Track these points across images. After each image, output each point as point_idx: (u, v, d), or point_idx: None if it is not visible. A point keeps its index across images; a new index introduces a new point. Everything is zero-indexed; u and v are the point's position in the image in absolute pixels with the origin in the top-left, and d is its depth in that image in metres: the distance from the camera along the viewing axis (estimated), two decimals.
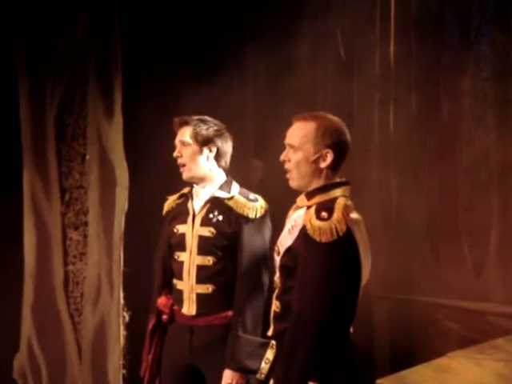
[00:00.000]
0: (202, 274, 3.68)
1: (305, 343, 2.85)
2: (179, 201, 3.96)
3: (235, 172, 6.62)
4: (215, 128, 3.82)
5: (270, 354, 3.22)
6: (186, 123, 3.84)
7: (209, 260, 3.69)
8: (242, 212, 3.72)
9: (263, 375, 3.31)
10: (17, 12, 5.56)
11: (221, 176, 3.84)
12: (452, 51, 8.72)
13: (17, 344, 5.52)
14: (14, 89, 5.64)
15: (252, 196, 3.80)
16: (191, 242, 3.74)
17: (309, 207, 3.01)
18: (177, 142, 3.86)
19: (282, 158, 3.14)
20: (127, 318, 5.19)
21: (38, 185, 5.50)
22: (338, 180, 3.11)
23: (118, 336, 5.16)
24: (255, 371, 3.39)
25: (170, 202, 4.02)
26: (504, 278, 7.53)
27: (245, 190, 3.82)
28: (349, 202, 3.03)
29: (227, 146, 3.86)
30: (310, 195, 3.06)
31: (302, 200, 3.10)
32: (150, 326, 3.87)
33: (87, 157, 5.44)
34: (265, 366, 3.25)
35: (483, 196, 7.68)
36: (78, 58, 5.54)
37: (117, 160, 5.29)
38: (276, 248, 3.15)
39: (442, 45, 8.64)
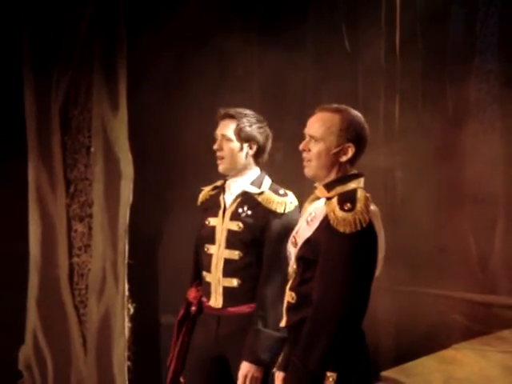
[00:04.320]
0: (229, 268, 3.70)
1: (326, 333, 2.87)
2: (213, 192, 3.94)
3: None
4: (258, 125, 3.81)
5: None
6: (230, 117, 3.82)
7: (236, 254, 3.70)
8: (270, 207, 3.72)
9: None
10: (22, 4, 5.56)
11: (255, 171, 3.84)
12: (458, 43, 8.70)
13: (22, 336, 5.53)
14: (19, 81, 5.65)
15: (282, 191, 3.79)
16: (220, 236, 3.76)
17: (329, 198, 3.03)
18: (218, 133, 3.84)
19: (302, 147, 3.15)
20: (132, 310, 5.20)
21: (42, 177, 5.51)
22: (355, 172, 3.13)
23: (123, 328, 5.17)
24: (272, 365, 3.41)
25: (205, 192, 4.01)
26: (509, 269, 7.53)
27: (276, 186, 3.82)
28: (368, 194, 3.06)
29: (267, 144, 3.86)
30: (329, 186, 3.07)
31: (321, 191, 3.10)
32: (179, 317, 3.89)
33: (92, 149, 5.44)
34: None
35: (489, 188, 7.67)
36: (83, 50, 5.54)
37: (122, 152, 5.29)
38: (293, 239, 3.14)
39: (448, 36, 8.62)
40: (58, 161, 5.52)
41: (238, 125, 3.77)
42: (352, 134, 3.08)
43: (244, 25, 6.92)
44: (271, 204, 3.72)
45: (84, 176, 5.47)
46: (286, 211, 3.70)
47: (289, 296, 3.13)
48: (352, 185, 3.06)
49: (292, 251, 3.15)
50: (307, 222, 3.07)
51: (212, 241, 3.79)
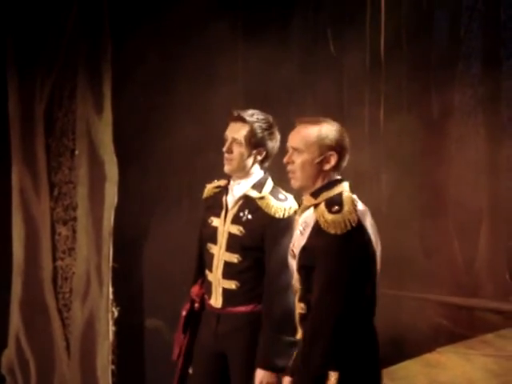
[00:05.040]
0: (228, 270, 3.70)
1: (323, 334, 2.94)
2: (216, 190, 3.88)
3: (222, 170, 6.62)
4: (269, 132, 3.76)
5: (294, 352, 3.25)
6: (242, 120, 3.75)
7: (235, 257, 3.69)
8: (269, 212, 3.72)
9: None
10: (6, 7, 5.53)
11: (258, 174, 3.79)
12: (442, 47, 8.74)
13: (5, 340, 5.49)
14: (3, 84, 5.61)
15: (282, 195, 3.79)
16: (222, 238, 3.76)
17: (316, 205, 3.11)
18: (228, 135, 3.78)
19: (286, 160, 3.21)
20: (116, 314, 5.18)
21: (26, 180, 5.48)
22: (339, 177, 3.18)
23: (107, 331, 5.15)
24: (284, 370, 3.37)
25: (209, 189, 3.96)
26: (493, 273, 7.56)
27: (277, 189, 3.83)
28: (354, 196, 3.14)
29: (275, 147, 3.80)
30: (315, 194, 3.15)
31: (308, 199, 3.17)
32: (184, 313, 3.91)
33: (76, 152, 5.42)
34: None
35: (473, 192, 7.69)
36: (67, 53, 5.51)
37: (106, 155, 5.28)
38: (291, 252, 3.20)
39: (432, 41, 8.66)
40: (41, 164, 5.49)
41: (250, 130, 3.74)
42: (333, 143, 3.16)
43: (229, 27, 6.92)
44: (270, 209, 3.70)
45: (68, 179, 5.45)
46: (285, 216, 3.72)
47: (299, 308, 3.17)
48: (337, 189, 3.14)
49: (293, 263, 3.20)
50: (301, 232, 3.14)
51: (214, 241, 3.78)
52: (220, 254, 3.75)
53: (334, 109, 7.83)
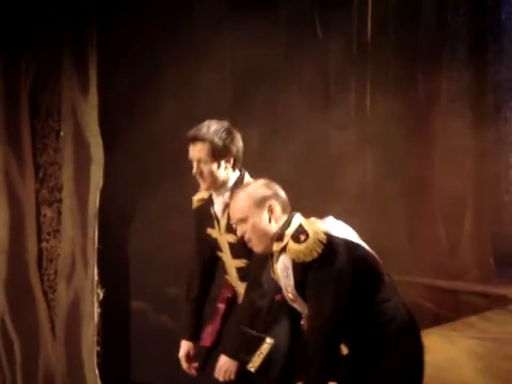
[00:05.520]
0: (241, 274, 3.85)
1: (317, 354, 3.18)
2: (202, 202, 4.01)
3: None
4: (229, 138, 3.83)
5: (264, 349, 3.60)
6: (199, 139, 3.81)
7: (243, 262, 3.82)
8: None
9: (253, 368, 3.59)
10: None
11: (234, 176, 3.87)
12: (428, 32, 8.74)
13: None
14: None
15: None
16: (224, 247, 3.90)
17: (285, 246, 3.27)
18: (192, 157, 3.84)
19: (240, 234, 3.39)
20: (101, 296, 5.17)
21: (11, 161, 5.45)
22: (287, 214, 3.36)
23: (92, 313, 5.14)
24: (247, 362, 3.58)
25: (195, 202, 4.09)
26: (478, 257, 7.59)
27: None
28: (312, 219, 3.32)
29: (241, 147, 3.89)
30: (279, 238, 3.31)
31: (277, 245, 3.32)
32: (222, 305, 4.05)
33: (62, 133, 5.40)
34: (257, 359, 3.59)
35: (459, 177, 7.72)
36: (52, 34, 5.48)
37: (92, 136, 5.26)
38: (288, 297, 3.37)
39: (419, 26, 8.65)
40: (27, 145, 5.47)
41: (210, 145, 3.78)
42: (266, 198, 3.34)
43: (216, 12, 6.90)
44: None
45: (53, 160, 5.42)
46: None
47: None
48: (294, 224, 3.30)
49: (296, 306, 3.38)
50: (286, 277, 3.30)
51: (220, 249, 3.93)
52: (228, 260, 3.90)
53: (320, 94, 7.83)
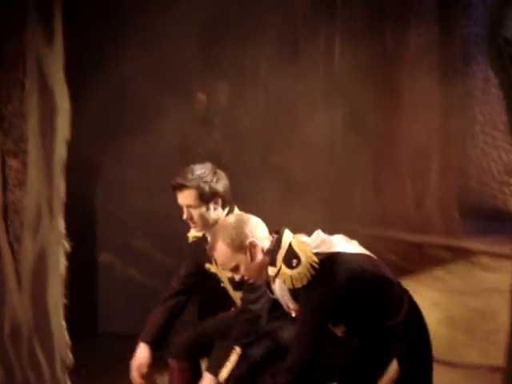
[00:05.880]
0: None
1: (291, 372, 3.32)
2: (196, 239, 4.14)
3: (177, 106, 6.58)
4: (213, 180, 3.92)
5: (233, 360, 3.79)
6: (185, 187, 3.91)
7: None
8: None
9: (222, 379, 3.77)
10: None
11: (224, 215, 3.97)
12: None
13: None
14: None
15: None
16: (224, 280, 4.03)
17: (279, 270, 3.36)
18: (181, 204, 3.95)
19: (239, 279, 3.48)
20: (68, 248, 5.15)
21: None
22: (272, 237, 3.44)
23: (59, 265, 5.12)
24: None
25: (190, 237, 4.19)
26: (443, 210, 7.66)
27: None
28: (302, 238, 3.41)
29: (227, 186, 3.98)
30: (273, 263, 3.39)
31: (271, 270, 3.40)
32: None
33: (27, 84, 5.32)
34: (224, 370, 3.78)
35: (425, 130, 7.76)
36: None
37: (57, 87, 5.18)
38: (290, 312, 3.47)
39: None
40: None
41: (196, 192, 3.88)
42: (245, 240, 3.39)
43: None
44: None
45: (18, 111, 5.34)
46: None
47: None
48: (285, 245, 3.37)
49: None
50: (286, 296, 3.41)
51: (221, 281, 4.07)
52: (232, 293, 4.07)
53: (288, 46, 7.79)
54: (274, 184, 6.61)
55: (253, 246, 3.39)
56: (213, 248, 3.48)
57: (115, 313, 6.78)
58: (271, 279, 3.45)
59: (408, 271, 6.32)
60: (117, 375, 5.84)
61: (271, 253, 3.39)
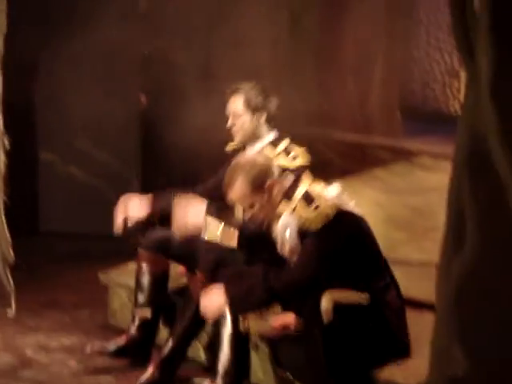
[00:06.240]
0: None
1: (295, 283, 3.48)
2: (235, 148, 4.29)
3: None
4: (263, 94, 4.17)
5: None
6: (236, 92, 4.16)
7: None
8: None
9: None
10: None
11: (269, 136, 4.19)
12: None
13: None
14: None
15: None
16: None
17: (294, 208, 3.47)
18: (229, 111, 4.19)
19: (254, 216, 3.55)
20: (8, 146, 5.06)
21: None
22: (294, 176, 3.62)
23: None
24: None
25: (230, 146, 4.32)
26: (385, 111, 7.70)
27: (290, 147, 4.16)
28: (317, 184, 3.56)
29: (274, 107, 4.21)
30: (287, 197, 3.51)
31: (286, 204, 3.50)
32: None
33: None
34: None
35: (369, 31, 7.70)
36: None
37: None
38: (283, 252, 3.56)
39: None
40: None
41: (245, 97, 4.13)
42: (265, 180, 3.51)
43: None
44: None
45: None
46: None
47: None
48: (302, 188, 3.51)
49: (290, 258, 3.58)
50: (286, 234, 3.50)
51: None
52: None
53: None
54: (218, 78, 6.53)
55: (272, 187, 3.49)
56: (231, 183, 3.54)
57: (56, 211, 6.75)
58: (277, 216, 3.52)
59: (350, 172, 6.38)
60: (57, 272, 5.88)
61: (288, 191, 3.51)
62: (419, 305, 4.01)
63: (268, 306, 3.51)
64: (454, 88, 8.80)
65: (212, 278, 3.93)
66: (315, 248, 3.41)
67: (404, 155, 6.85)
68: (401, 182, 6.25)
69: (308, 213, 3.40)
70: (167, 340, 4.20)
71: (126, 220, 4.26)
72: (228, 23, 6.74)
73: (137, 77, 6.82)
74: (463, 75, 7.82)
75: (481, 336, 2.18)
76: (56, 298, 5.49)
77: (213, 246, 4.03)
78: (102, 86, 6.57)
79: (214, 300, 3.51)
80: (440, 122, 7.92)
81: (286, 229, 3.50)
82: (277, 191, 3.51)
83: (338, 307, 3.44)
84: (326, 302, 3.41)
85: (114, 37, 6.36)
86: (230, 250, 4.09)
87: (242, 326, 3.73)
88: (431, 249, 3.64)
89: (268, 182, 3.51)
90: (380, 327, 3.48)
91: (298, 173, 3.79)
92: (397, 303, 3.54)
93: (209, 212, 3.76)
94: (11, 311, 5.02)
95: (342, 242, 3.47)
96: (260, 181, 3.50)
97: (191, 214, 3.74)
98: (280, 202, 3.50)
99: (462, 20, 2.12)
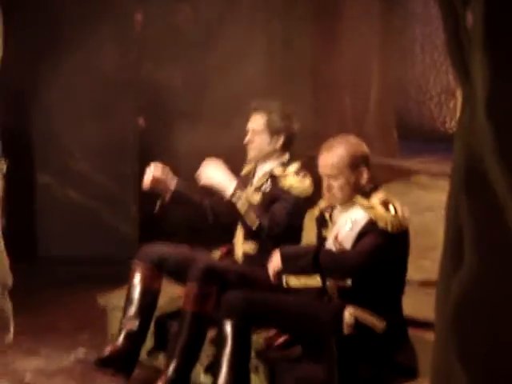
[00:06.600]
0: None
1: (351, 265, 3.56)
2: (247, 172, 4.37)
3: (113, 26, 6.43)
4: (287, 118, 4.18)
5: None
6: (259, 110, 4.17)
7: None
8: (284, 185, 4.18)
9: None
10: None
11: (280, 159, 4.23)
12: None
13: None
14: None
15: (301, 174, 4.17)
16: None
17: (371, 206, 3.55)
18: (249, 127, 4.21)
19: (326, 188, 3.61)
20: (4, 168, 5.05)
21: None
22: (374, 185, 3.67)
23: None
24: None
25: (244, 170, 4.41)
26: (382, 131, 7.73)
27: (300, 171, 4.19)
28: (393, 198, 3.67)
29: (295, 132, 4.22)
30: (365, 195, 3.59)
31: (362, 200, 3.58)
32: None
33: None
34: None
35: (365, 50, 7.74)
36: None
37: None
38: (336, 243, 3.62)
39: None
40: None
41: (268, 118, 4.15)
42: (360, 160, 3.60)
43: None
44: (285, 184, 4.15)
45: None
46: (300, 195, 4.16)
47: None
48: (380, 194, 3.62)
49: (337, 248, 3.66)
50: (350, 229, 3.57)
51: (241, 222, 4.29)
52: (241, 239, 4.33)
53: None
54: (213, 99, 6.54)
55: (361, 173, 3.56)
56: (332, 147, 3.58)
57: (52, 232, 6.74)
58: (348, 204, 3.58)
59: None
60: (56, 296, 5.86)
61: (369, 189, 3.59)
62: (419, 324, 4.00)
63: (311, 273, 3.58)
64: (450, 106, 8.84)
65: (204, 288, 3.94)
66: (376, 245, 3.48)
67: (401, 174, 6.85)
68: (398, 201, 6.24)
69: (387, 214, 3.48)
70: (168, 363, 4.15)
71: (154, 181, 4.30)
72: (223, 46, 6.77)
73: (134, 100, 6.83)
74: (459, 93, 7.85)
75: (480, 353, 2.17)
76: (55, 322, 5.47)
77: (208, 259, 4.16)
78: (98, 108, 6.59)
79: (273, 259, 3.61)
80: (436, 141, 7.95)
81: (351, 220, 3.56)
82: (364, 181, 3.57)
83: (357, 323, 3.50)
84: (348, 315, 3.49)
85: (111, 60, 6.39)
86: (231, 263, 4.13)
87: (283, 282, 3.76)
88: (430, 268, 3.64)
89: (362, 167, 3.56)
90: (391, 351, 3.54)
91: None
92: (404, 326, 3.62)
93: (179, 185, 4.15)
94: (10, 336, 5.00)
95: (395, 257, 3.57)
96: (358, 161, 3.58)
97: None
98: (359, 191, 3.56)
99: (456, 36, 2.12)
